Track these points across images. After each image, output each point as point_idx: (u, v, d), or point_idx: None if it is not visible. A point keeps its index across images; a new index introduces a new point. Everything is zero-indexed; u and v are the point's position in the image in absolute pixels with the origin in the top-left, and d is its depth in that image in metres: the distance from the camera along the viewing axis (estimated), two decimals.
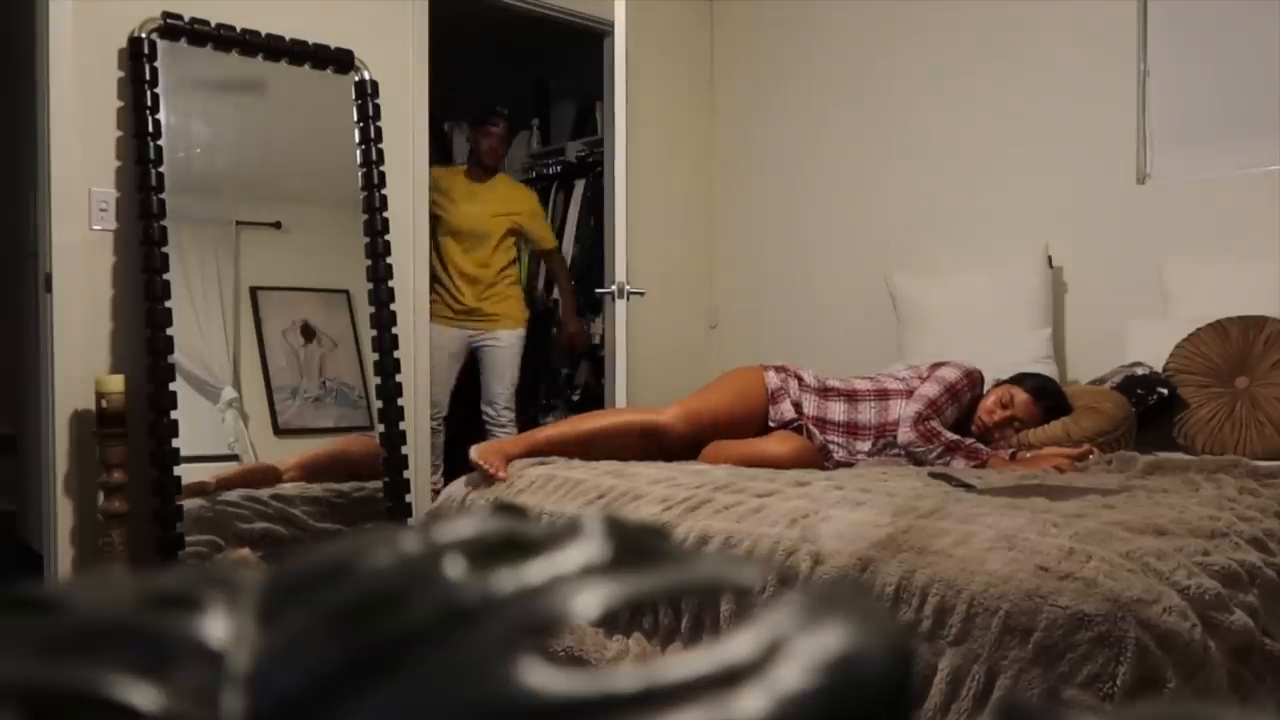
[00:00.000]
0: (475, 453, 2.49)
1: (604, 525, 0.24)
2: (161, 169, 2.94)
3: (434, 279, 3.94)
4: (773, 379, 2.75)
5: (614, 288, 3.53)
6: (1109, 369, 3.04)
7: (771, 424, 2.71)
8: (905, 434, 2.62)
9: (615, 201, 3.58)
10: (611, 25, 3.59)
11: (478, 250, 4.09)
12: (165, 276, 2.93)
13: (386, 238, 3.35)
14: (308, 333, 3.35)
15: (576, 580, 0.23)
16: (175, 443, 2.91)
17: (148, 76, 2.93)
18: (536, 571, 0.23)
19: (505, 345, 4.14)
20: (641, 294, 3.53)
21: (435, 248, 3.97)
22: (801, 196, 4.28)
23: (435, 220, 3.96)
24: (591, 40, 4.12)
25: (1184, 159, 3.32)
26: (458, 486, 2.48)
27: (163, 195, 2.94)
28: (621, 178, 3.46)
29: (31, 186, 3.05)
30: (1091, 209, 3.49)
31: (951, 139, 3.83)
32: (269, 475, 3.16)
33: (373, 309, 3.32)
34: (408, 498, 3.31)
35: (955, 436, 2.62)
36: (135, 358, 2.93)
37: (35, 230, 3.01)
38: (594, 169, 4.83)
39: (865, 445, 2.70)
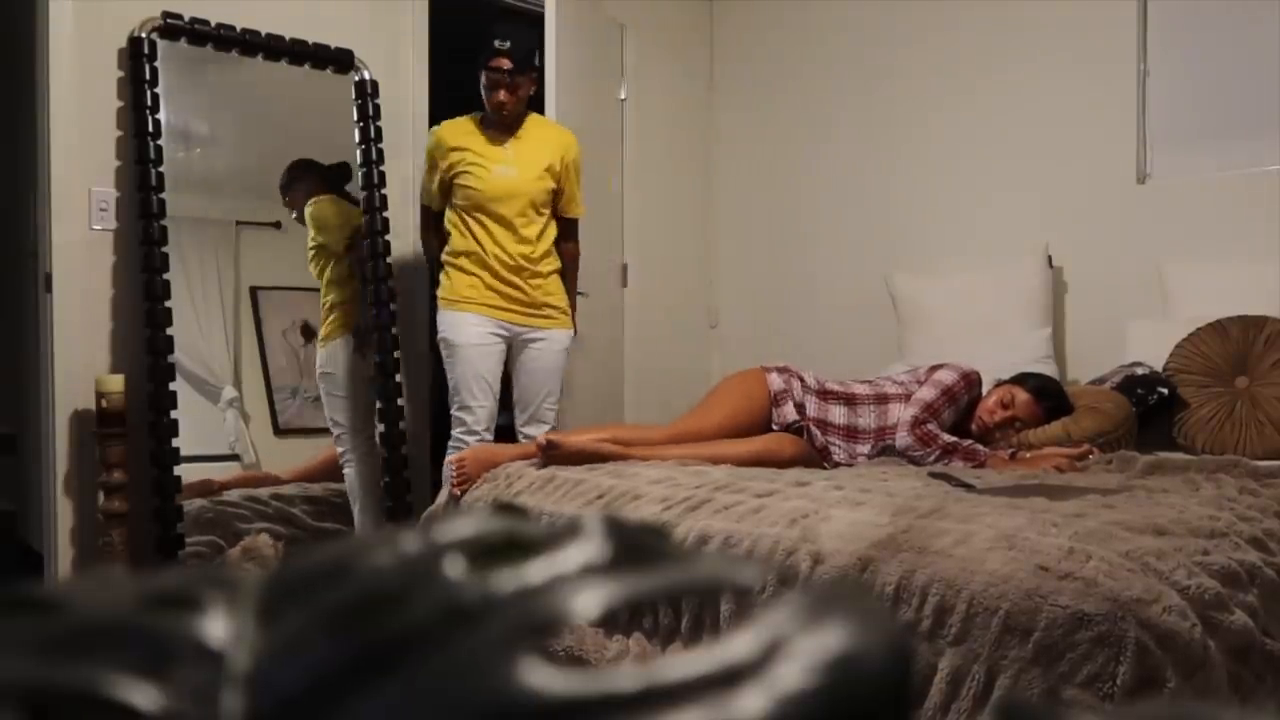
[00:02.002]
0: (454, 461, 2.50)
1: (604, 525, 0.24)
2: (161, 169, 2.94)
3: (461, 266, 3.15)
4: (776, 381, 2.75)
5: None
6: (1109, 369, 3.04)
7: (775, 427, 2.71)
8: (903, 438, 2.63)
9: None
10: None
11: (518, 224, 3.13)
12: (165, 276, 2.93)
13: (386, 237, 3.35)
14: (308, 332, 3.35)
15: (576, 580, 0.23)
16: (175, 442, 2.91)
17: (148, 76, 2.93)
18: (536, 571, 0.23)
19: (556, 348, 3.24)
20: (583, 295, 3.47)
21: (460, 227, 3.15)
22: (801, 196, 4.28)
23: (450, 191, 3.16)
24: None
25: (1184, 159, 3.32)
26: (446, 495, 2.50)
27: (163, 195, 2.94)
28: None
29: (31, 186, 3.05)
30: (1091, 209, 3.49)
31: (951, 139, 3.83)
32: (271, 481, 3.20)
33: (373, 309, 3.32)
34: (408, 498, 3.31)
35: (953, 439, 2.63)
36: (135, 357, 2.93)
37: (35, 230, 3.01)
38: None
39: (865, 449, 2.71)
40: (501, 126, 3.16)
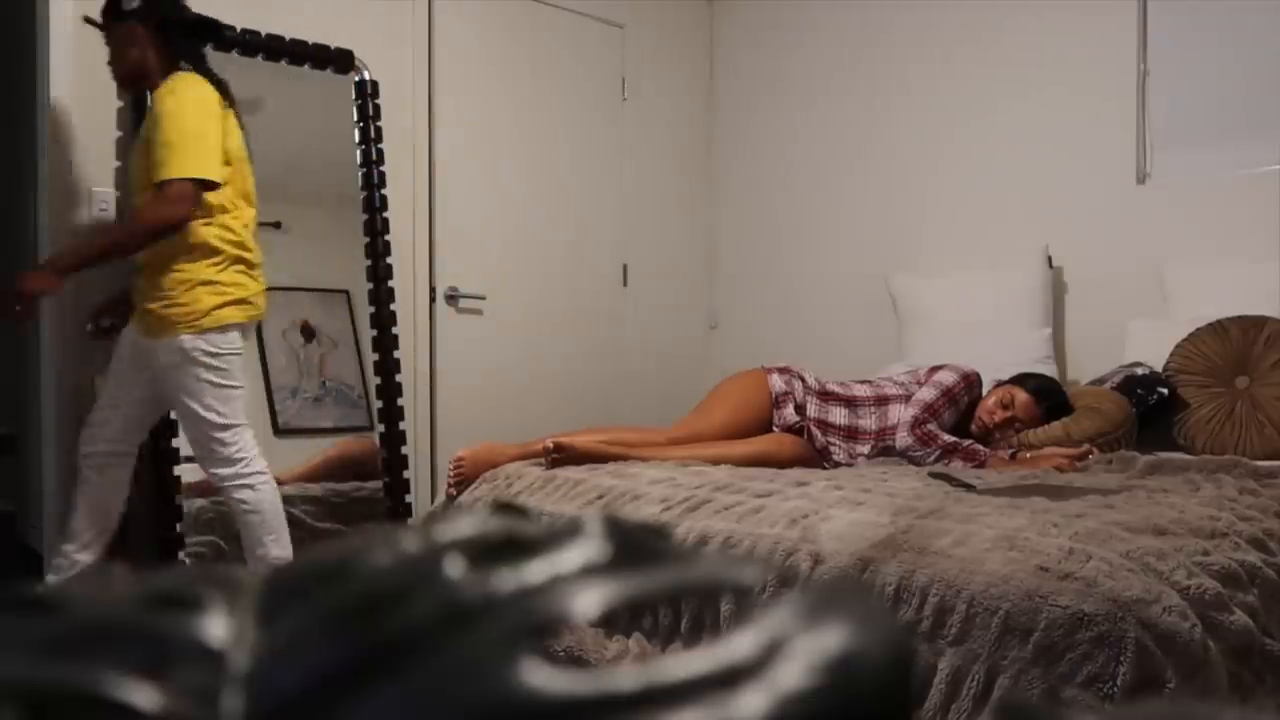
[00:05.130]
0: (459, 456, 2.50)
1: (604, 525, 0.24)
2: None
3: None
4: (777, 382, 2.75)
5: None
6: (1109, 369, 3.04)
7: (775, 428, 2.72)
8: (903, 439, 2.63)
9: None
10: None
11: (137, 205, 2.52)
12: None
13: (386, 238, 3.35)
14: (308, 333, 3.35)
15: (576, 580, 0.23)
16: (175, 443, 2.91)
17: None
18: (536, 571, 0.23)
19: (164, 364, 2.48)
20: (479, 312, 3.41)
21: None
22: (801, 196, 4.28)
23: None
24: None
25: (1184, 159, 3.32)
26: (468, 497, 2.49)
27: None
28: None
29: (31, 186, 3.05)
30: (1091, 209, 3.49)
31: (951, 139, 3.83)
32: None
33: (373, 309, 3.33)
34: (408, 498, 3.31)
35: (953, 439, 2.63)
36: None
37: (36, 230, 3.01)
38: None
39: (865, 449, 2.71)
40: (131, 91, 2.60)
